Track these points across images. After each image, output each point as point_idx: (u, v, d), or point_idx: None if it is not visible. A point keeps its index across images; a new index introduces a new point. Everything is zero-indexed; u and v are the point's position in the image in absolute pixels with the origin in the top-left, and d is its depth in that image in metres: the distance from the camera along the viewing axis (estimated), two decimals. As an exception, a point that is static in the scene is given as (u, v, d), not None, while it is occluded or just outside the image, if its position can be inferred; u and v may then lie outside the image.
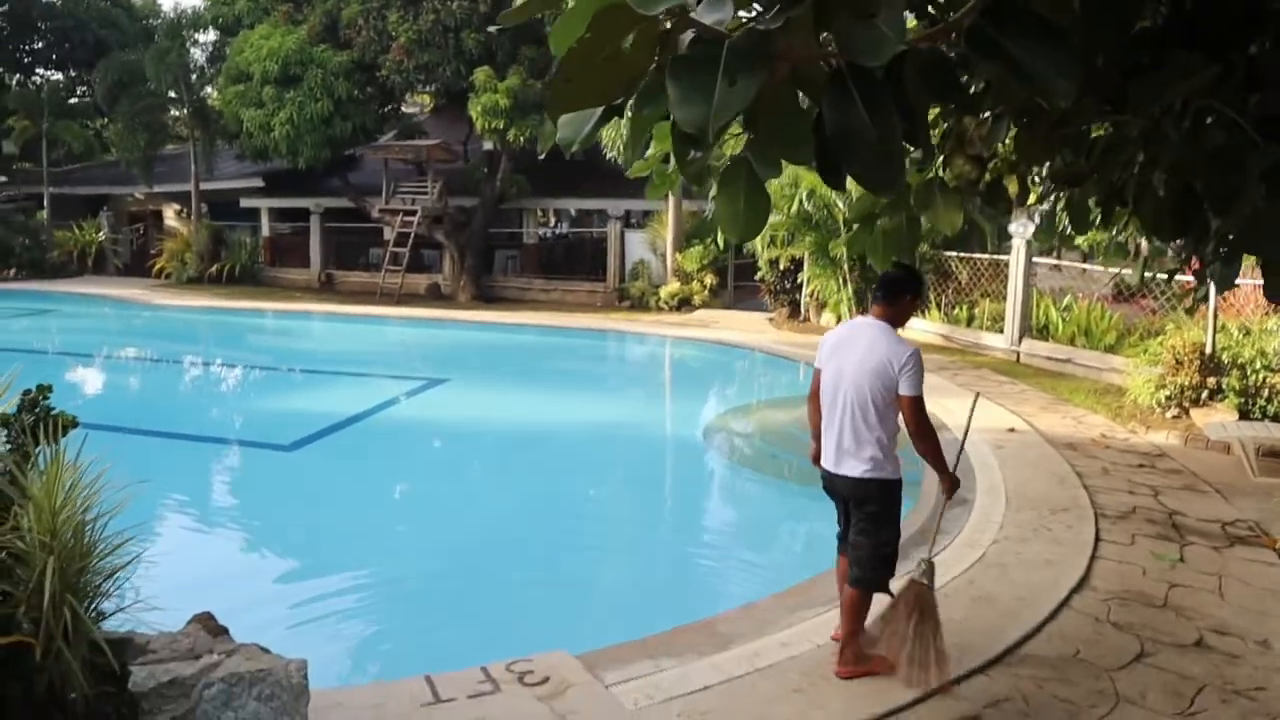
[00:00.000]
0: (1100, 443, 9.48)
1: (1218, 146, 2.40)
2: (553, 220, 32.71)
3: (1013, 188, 4.13)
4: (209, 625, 4.49)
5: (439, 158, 25.17)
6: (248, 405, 14.29)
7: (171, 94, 27.58)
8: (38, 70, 34.36)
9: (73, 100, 33.67)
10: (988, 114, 3.54)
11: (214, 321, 22.26)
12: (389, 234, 24.99)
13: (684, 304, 21.18)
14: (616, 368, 18.14)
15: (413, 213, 24.34)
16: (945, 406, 10.99)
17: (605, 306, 22.69)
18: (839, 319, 18.15)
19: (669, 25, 1.50)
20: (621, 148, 18.99)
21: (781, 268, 19.37)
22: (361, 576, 6.90)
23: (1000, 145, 4.09)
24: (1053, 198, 5.42)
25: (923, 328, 16.85)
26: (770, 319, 19.64)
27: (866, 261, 17.02)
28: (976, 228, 15.52)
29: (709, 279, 21.37)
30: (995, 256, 16.44)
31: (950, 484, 4.66)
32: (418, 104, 33.01)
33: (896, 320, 4.71)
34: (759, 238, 18.27)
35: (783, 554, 7.69)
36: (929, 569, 4.67)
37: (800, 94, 1.88)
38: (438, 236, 24.77)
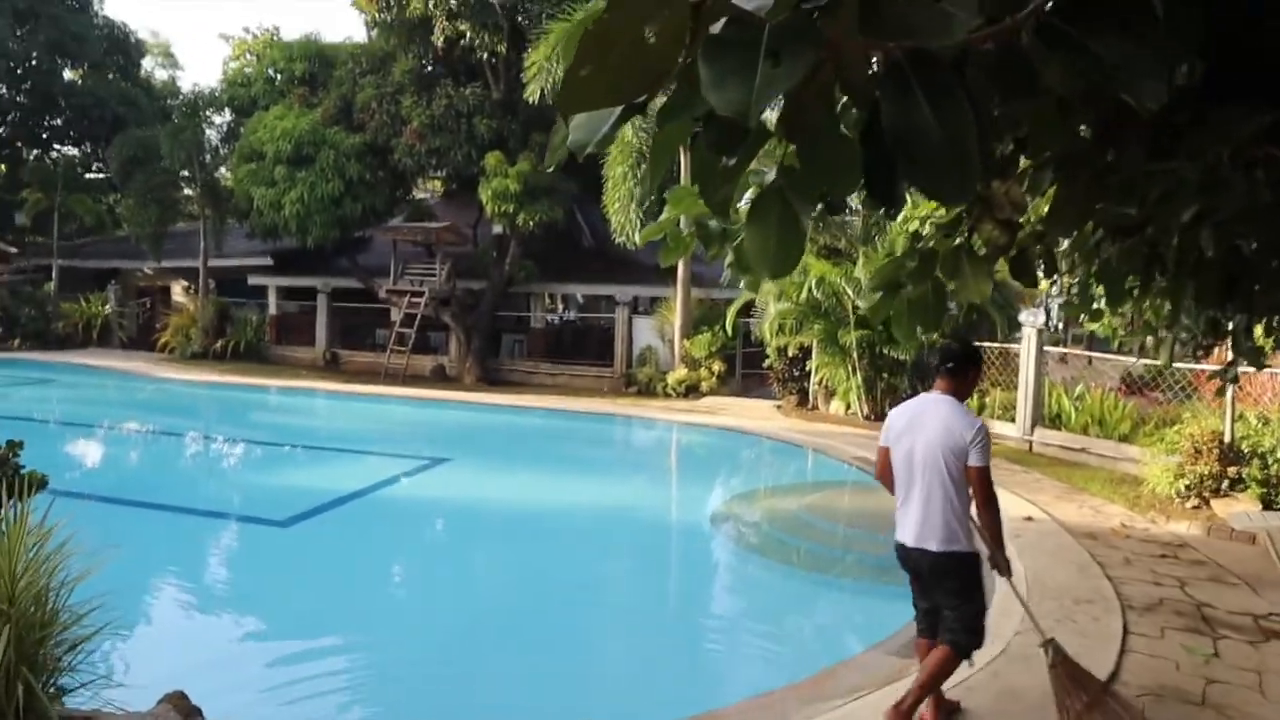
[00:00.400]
0: (1120, 532, 9.18)
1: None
2: (560, 307, 32.75)
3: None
4: (180, 705, 4.20)
5: (448, 240, 25.29)
6: (243, 480, 14.05)
7: (184, 172, 27.87)
8: (55, 146, 34.91)
9: (87, 175, 34.08)
10: (1017, 175, 3.41)
11: (214, 396, 22.10)
12: (395, 315, 24.97)
13: (691, 391, 20.98)
14: (622, 452, 17.87)
15: (420, 294, 24.35)
16: (958, 494, 10.73)
17: (612, 392, 22.50)
18: (848, 408, 17.96)
19: (702, 6, 1.31)
20: (630, 231, 19.09)
21: (790, 355, 19.24)
22: (351, 659, 6.59)
23: (1028, 214, 3.95)
24: (1080, 270, 5.28)
25: (932, 416, 16.63)
26: (778, 407, 19.42)
27: (876, 349, 16.97)
28: (986, 316, 15.30)
29: (717, 366, 21.20)
30: (1005, 345, 16.31)
31: (1005, 562, 4.71)
32: (429, 190, 33.40)
33: (961, 394, 4.77)
34: (768, 325, 18.23)
35: (793, 643, 7.35)
36: (1055, 647, 4.67)
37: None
38: (445, 318, 24.74)
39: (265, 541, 9.91)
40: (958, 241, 3.70)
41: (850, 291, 16.53)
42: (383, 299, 25.48)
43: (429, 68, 23.65)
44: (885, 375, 17.22)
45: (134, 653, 6.31)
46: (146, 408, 21.07)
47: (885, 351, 16.75)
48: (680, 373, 21.11)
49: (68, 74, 33.11)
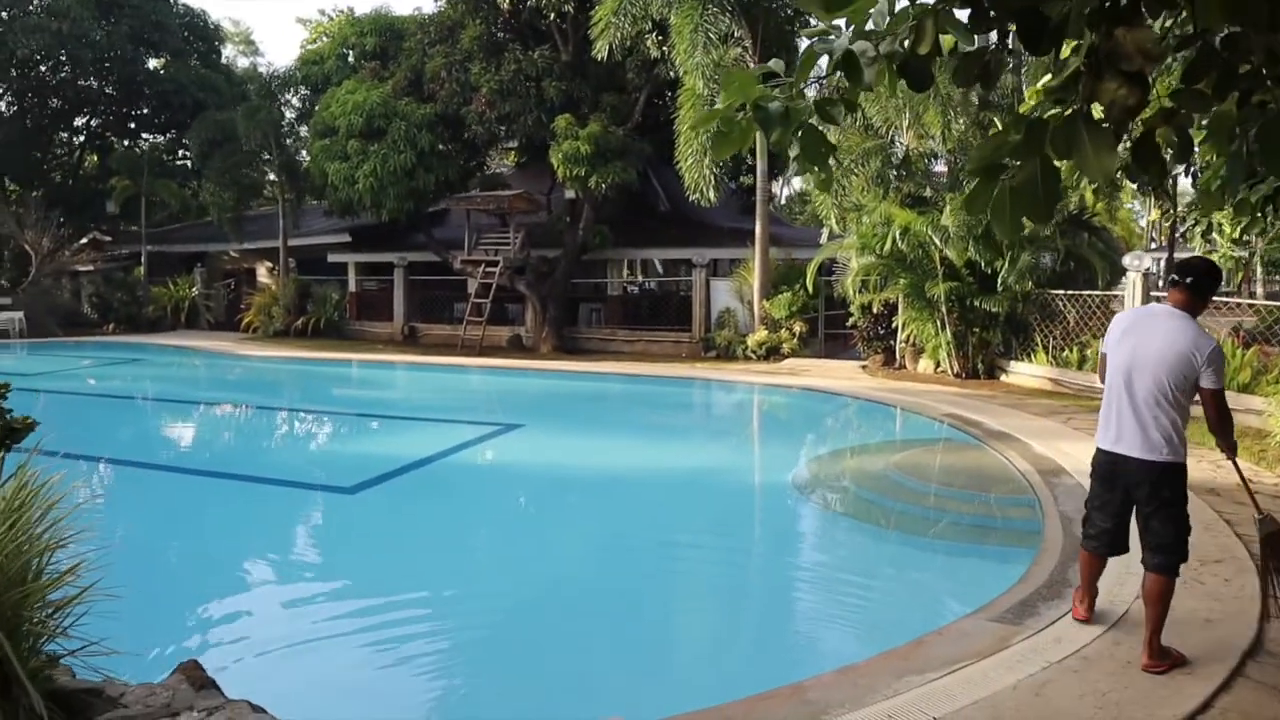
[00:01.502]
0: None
1: None
2: (640, 277, 32.19)
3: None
4: (194, 676, 3.76)
5: (521, 208, 24.92)
6: (309, 448, 13.87)
7: (263, 153, 28.02)
8: (143, 135, 35.52)
9: (172, 161, 34.62)
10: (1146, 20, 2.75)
11: (288, 370, 22.22)
12: (473, 287, 24.74)
13: (772, 353, 20.27)
14: (699, 415, 17.29)
15: (494, 263, 24.06)
16: (1062, 450, 9.96)
17: (690, 357, 21.93)
18: (937, 365, 17.09)
19: None
20: (704, 188, 18.44)
21: (874, 313, 18.41)
22: (407, 629, 6.16)
23: (1155, 89, 3.26)
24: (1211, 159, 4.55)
25: (1029, 372, 15.69)
26: (863, 367, 18.62)
27: (966, 302, 16.03)
28: (1085, 264, 14.21)
29: (798, 327, 20.44)
30: (1106, 293, 15.27)
31: (1232, 449, 4.79)
32: (504, 163, 33.14)
33: (1196, 311, 4.62)
34: (850, 280, 17.40)
35: (884, 609, 6.72)
36: (1271, 521, 4.73)
37: None
38: (520, 287, 24.42)
39: (329, 508, 9.62)
40: (1072, 110, 3.04)
41: (938, 241, 15.62)
42: (458, 270, 25.26)
43: (497, 33, 23.21)
44: (977, 330, 16.29)
45: (171, 622, 6.01)
46: (222, 383, 21.26)
47: (976, 304, 15.80)
48: (760, 335, 20.40)
49: (151, 63, 33.54)
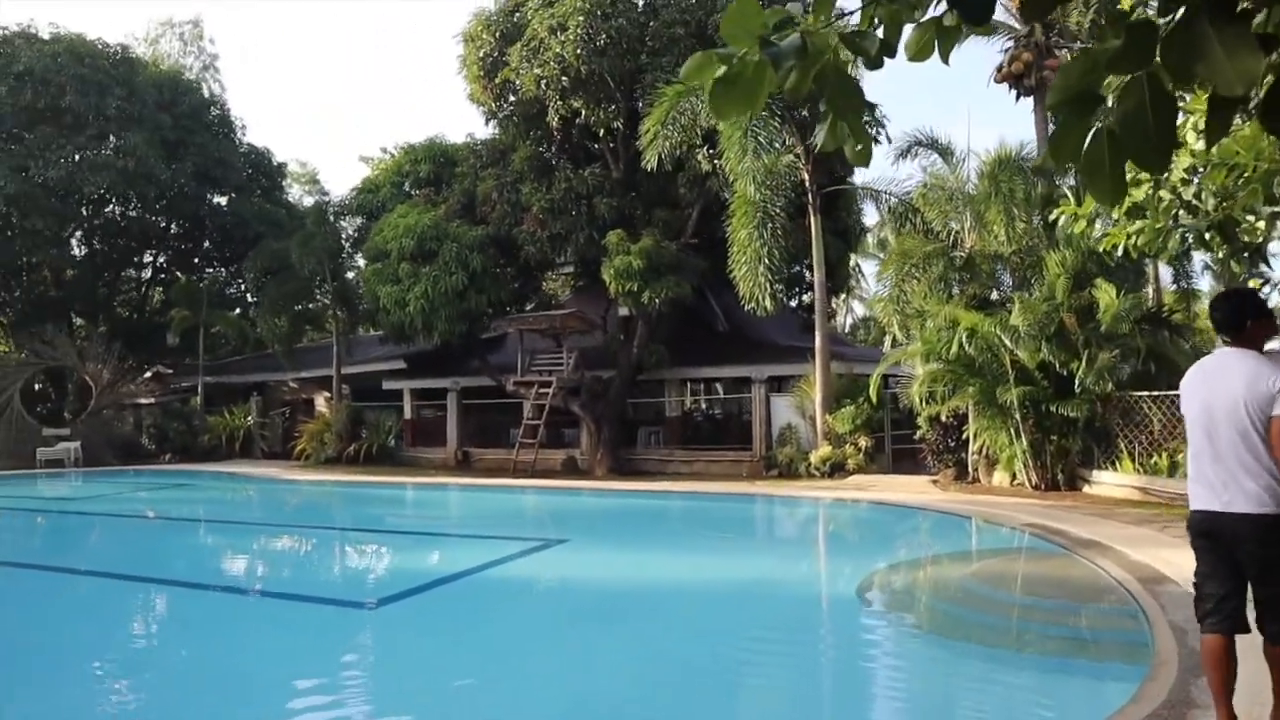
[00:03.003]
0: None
1: None
2: (703, 403, 31.43)
3: None
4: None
5: (574, 327, 24.55)
6: (329, 565, 13.19)
7: (318, 280, 28.29)
8: (207, 269, 36.34)
9: (232, 294, 35.25)
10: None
11: (326, 492, 21.84)
12: (528, 410, 24.22)
13: (837, 469, 19.19)
14: (757, 529, 16.19)
15: (548, 385, 23.54)
16: (1162, 558, 8.81)
17: (751, 476, 20.92)
18: (1013, 478, 15.93)
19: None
20: (759, 296, 17.84)
21: (943, 423, 17.37)
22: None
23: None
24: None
25: (1115, 481, 14.47)
26: (934, 481, 17.47)
27: (1042, 407, 14.97)
28: (1167, 362, 12.95)
29: (863, 441, 19.38)
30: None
31: None
32: (559, 289, 33.09)
33: (1257, 343, 4.33)
34: (916, 389, 16.47)
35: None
36: None
37: None
38: (574, 409, 23.83)
39: (345, 625, 8.77)
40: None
41: (1007, 342, 14.70)
42: (510, 392, 24.78)
43: (547, 154, 23.31)
44: (1054, 437, 15.16)
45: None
46: (255, 504, 20.98)
47: (1053, 409, 14.74)
48: (823, 450, 19.38)
49: (214, 199, 34.53)
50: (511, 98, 22.94)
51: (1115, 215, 7.31)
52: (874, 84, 63.15)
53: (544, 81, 20.19)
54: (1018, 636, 7.63)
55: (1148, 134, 2.24)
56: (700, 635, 8.12)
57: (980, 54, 58.27)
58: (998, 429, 15.90)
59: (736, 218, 18.18)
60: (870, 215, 24.58)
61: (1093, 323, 14.75)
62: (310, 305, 30.40)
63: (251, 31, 76.94)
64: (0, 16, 53.42)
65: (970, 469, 17.11)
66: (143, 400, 32.29)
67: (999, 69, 24.12)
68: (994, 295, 16.55)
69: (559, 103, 20.48)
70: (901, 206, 19.56)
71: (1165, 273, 29.82)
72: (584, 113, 20.72)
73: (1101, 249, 8.89)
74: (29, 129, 28.44)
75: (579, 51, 19.44)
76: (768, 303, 18.06)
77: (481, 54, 22.00)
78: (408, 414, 28.91)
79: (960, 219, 16.99)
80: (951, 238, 17.44)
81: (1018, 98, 24.16)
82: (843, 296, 36.35)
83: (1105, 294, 14.52)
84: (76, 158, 28.50)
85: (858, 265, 43.31)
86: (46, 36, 30.48)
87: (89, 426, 29.48)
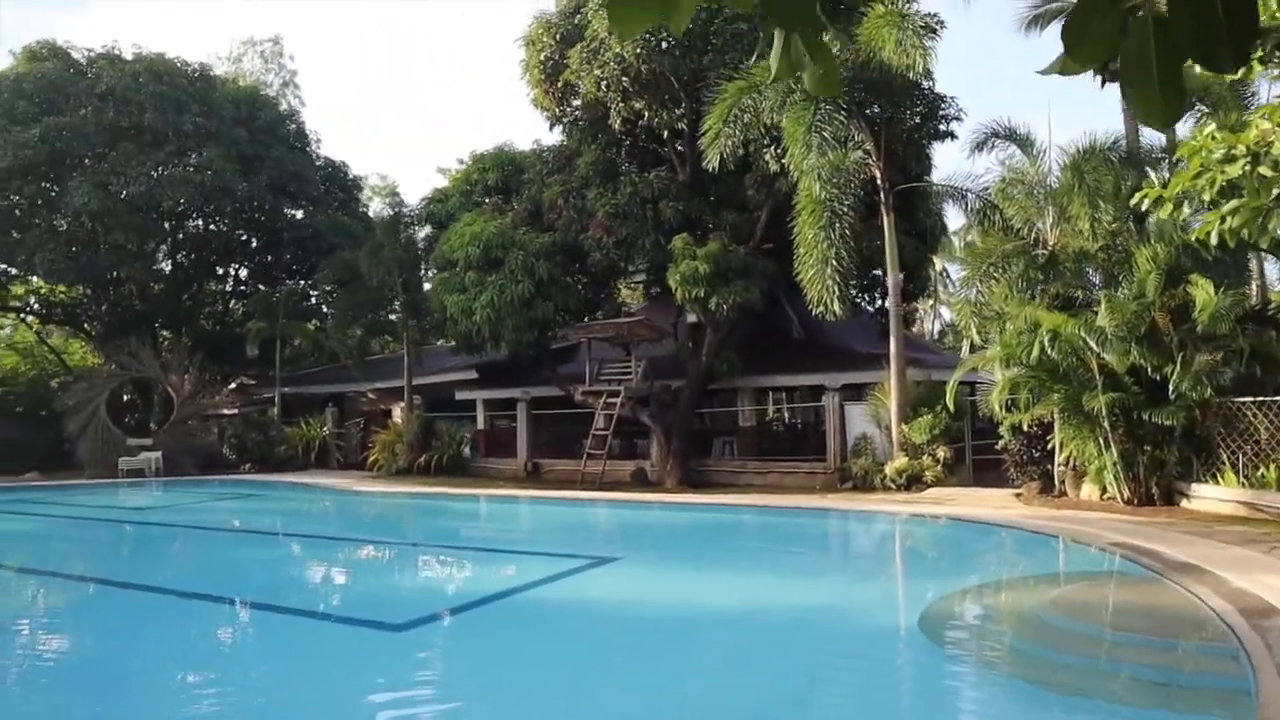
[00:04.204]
0: None
1: None
2: (781, 413, 30.50)
3: None
4: None
5: (642, 335, 23.96)
6: (365, 581, 12.81)
7: (388, 292, 28.26)
8: (286, 280, 36.76)
9: (309, 305, 35.59)
10: None
11: (389, 504, 21.68)
12: (597, 420, 23.72)
13: (914, 482, 18.18)
14: (823, 547, 15.34)
15: (616, 394, 22.99)
16: (1270, 585, 7.84)
17: (825, 488, 20.00)
18: (1103, 491, 14.83)
19: None
20: (828, 299, 17.01)
21: (1027, 432, 16.30)
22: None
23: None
24: None
25: (1216, 495, 13.29)
26: (1017, 495, 16.39)
27: (1134, 415, 13.84)
28: (1274, 364, 11.66)
29: (942, 452, 18.32)
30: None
31: None
32: (631, 299, 32.56)
33: None
34: (995, 396, 15.45)
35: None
36: None
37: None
38: (643, 419, 23.22)
39: (369, 648, 8.28)
40: None
41: (1093, 344, 13.62)
42: (578, 401, 24.29)
43: (614, 157, 22.80)
44: (1148, 448, 14.01)
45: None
46: (313, 516, 20.97)
47: (1145, 417, 13.59)
48: (899, 462, 18.39)
49: (290, 211, 34.91)
50: (575, 101, 22.53)
51: (1207, 196, 6.43)
52: (947, 75, 61.25)
53: (604, 83, 19.69)
54: (1099, 680, 6.73)
55: (1211, 14, 1.53)
56: (742, 669, 7.42)
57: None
58: (1085, 439, 14.82)
59: (803, 218, 17.35)
60: (955, 218, 23.56)
61: (1188, 323, 13.55)
62: (382, 316, 30.33)
63: (332, 48, 78.50)
64: (87, 39, 55.27)
65: (1056, 481, 16.01)
66: (225, 411, 32.73)
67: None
68: (1079, 295, 15.43)
69: (621, 105, 19.95)
70: (979, 203, 18.47)
71: (1271, 267, 27.88)
72: (647, 114, 20.13)
73: (1194, 238, 7.93)
74: (111, 146, 28.99)
75: (639, 51, 18.88)
76: (836, 306, 17.17)
77: (542, 57, 21.60)
78: (480, 424, 28.66)
79: (1042, 214, 15.90)
80: (1033, 235, 16.36)
81: (1103, 84, 22.73)
82: (929, 301, 35.01)
83: (1202, 291, 13.32)
84: (155, 174, 28.95)
85: (944, 270, 41.96)
86: (129, 57, 31.16)
87: (170, 437, 29.93)
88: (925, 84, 18.88)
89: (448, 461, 26.73)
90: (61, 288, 33.84)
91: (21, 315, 36.51)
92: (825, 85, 2.15)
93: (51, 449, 30.38)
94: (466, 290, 23.14)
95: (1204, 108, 15.31)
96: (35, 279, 33.46)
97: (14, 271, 32.55)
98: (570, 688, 7.19)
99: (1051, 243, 16.18)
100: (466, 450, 27.69)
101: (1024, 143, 16.97)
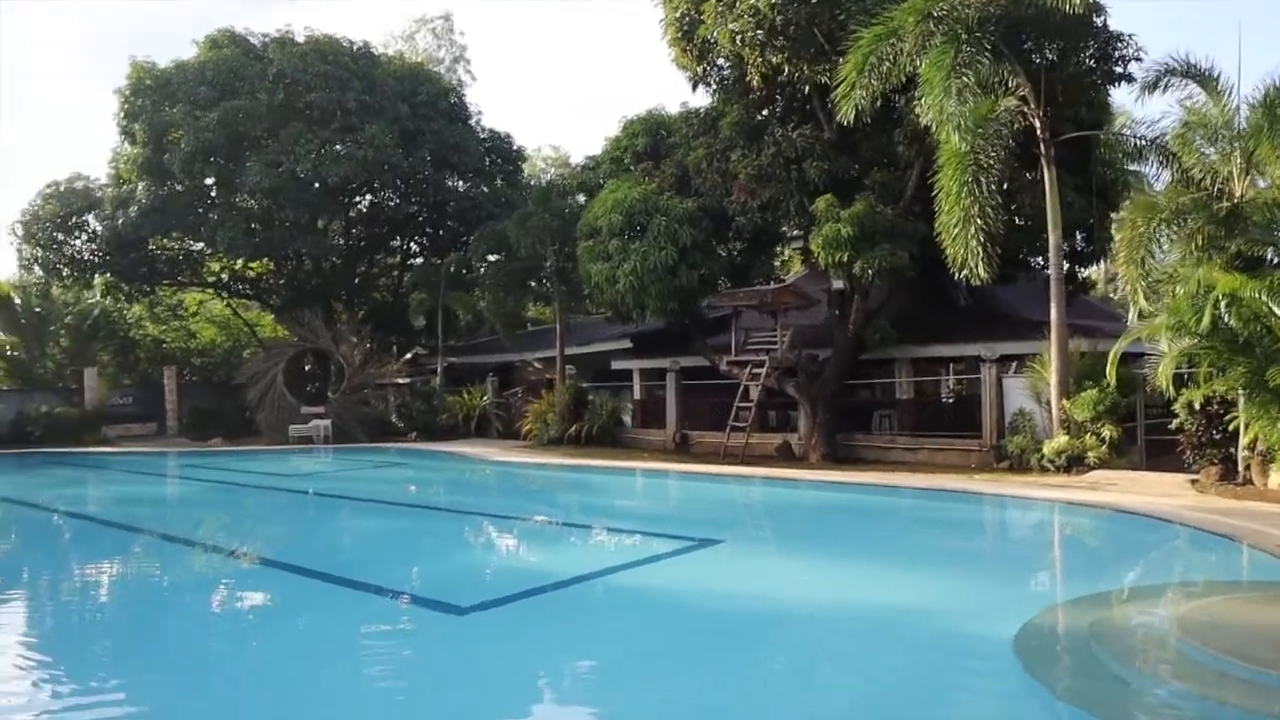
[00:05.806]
0: None
1: None
2: (946, 384, 28.68)
3: None
4: None
5: (788, 302, 22.91)
6: (440, 558, 12.47)
7: (540, 261, 28.26)
8: (452, 253, 37.53)
9: (466, 275, 36.25)
10: None
11: (523, 475, 21.74)
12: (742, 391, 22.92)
13: (1075, 463, 16.46)
14: (954, 537, 13.67)
15: (761, 364, 22.09)
16: None
17: (981, 467, 18.48)
18: (1297, 477, 12.87)
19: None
20: (973, 261, 15.56)
21: (1207, 411, 14.42)
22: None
23: None
24: None
25: None
26: (1193, 482, 14.53)
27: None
28: None
29: (1107, 431, 16.48)
30: None
31: None
32: (790, 264, 31.41)
33: None
34: (1162, 370, 13.63)
35: None
36: None
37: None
38: (789, 390, 22.24)
39: (431, 630, 7.97)
40: None
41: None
42: (724, 371, 23.52)
43: (757, 116, 21.76)
44: (1352, 429, 12.05)
45: None
46: (442, 485, 21.42)
47: (1345, 394, 11.67)
48: (1059, 441, 16.72)
49: (452, 183, 35.54)
50: (717, 61, 21.62)
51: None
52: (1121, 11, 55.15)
53: (739, 37, 18.67)
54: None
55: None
56: (822, 682, 6.61)
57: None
58: (1273, 419, 12.89)
59: (944, 172, 15.87)
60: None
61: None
62: (533, 284, 30.47)
63: (507, 24, 79.76)
64: (262, 24, 57.96)
65: (1240, 467, 14.09)
66: (398, 380, 33.77)
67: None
68: (1269, 255, 13.45)
69: (758, 59, 18.88)
70: (1153, 150, 16.45)
71: None
72: (787, 69, 18.99)
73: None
74: (282, 126, 30.16)
75: (774, 1, 17.75)
76: (981, 270, 15.63)
77: (679, 13, 20.73)
78: (636, 394, 28.34)
79: (1227, 162, 13.92)
80: (1215, 185, 14.37)
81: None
82: (1109, 263, 32.03)
83: None
84: (322, 151, 29.95)
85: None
86: (300, 40, 32.33)
87: (342, 405, 31.11)
88: (1096, 20, 16.97)
89: (598, 431, 26.54)
90: (253, 264, 35.70)
91: (217, 291, 38.79)
92: None
93: (238, 417, 32.22)
94: (610, 258, 22.71)
95: None
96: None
97: (207, 250, 34.57)
98: (599, 683, 6.64)
99: (1237, 193, 14.17)
100: (627, 419, 27.50)
101: (1206, 80, 14.88)
